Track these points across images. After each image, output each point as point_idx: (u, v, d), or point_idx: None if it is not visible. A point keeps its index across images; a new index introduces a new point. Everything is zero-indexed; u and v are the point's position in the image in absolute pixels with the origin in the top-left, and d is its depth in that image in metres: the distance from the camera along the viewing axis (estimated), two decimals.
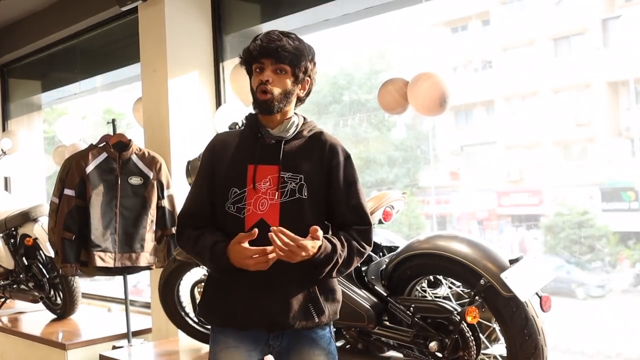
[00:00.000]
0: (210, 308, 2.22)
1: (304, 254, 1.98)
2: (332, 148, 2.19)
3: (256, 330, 2.16)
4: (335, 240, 2.09)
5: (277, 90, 2.10)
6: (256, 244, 2.02)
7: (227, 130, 2.35)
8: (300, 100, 2.22)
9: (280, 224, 2.06)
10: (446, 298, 2.87)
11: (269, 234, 1.96)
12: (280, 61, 2.09)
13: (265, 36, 2.12)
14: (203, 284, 3.65)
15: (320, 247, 2.02)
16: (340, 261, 2.09)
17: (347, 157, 2.21)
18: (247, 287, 2.10)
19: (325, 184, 2.16)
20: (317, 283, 2.15)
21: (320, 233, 2.01)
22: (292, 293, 2.12)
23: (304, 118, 2.24)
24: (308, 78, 2.18)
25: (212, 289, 2.22)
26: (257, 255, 1.98)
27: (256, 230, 1.99)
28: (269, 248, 1.97)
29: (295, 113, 2.22)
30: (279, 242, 1.95)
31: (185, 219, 2.21)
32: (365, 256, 2.20)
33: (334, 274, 2.12)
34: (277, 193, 2.10)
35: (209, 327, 3.78)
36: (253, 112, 2.24)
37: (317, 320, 2.15)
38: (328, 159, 2.17)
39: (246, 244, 1.99)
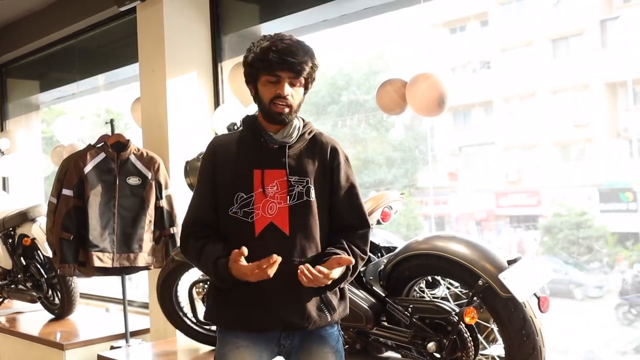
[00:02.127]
0: (221, 311, 2.19)
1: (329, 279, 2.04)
2: (333, 149, 2.23)
3: (270, 332, 2.16)
4: (344, 255, 2.11)
5: (295, 102, 2.13)
6: (266, 248, 2.04)
7: (225, 132, 2.31)
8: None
9: (289, 227, 2.10)
10: (444, 299, 2.88)
11: (299, 272, 2.00)
12: (299, 76, 2.10)
13: (284, 47, 2.07)
14: (202, 284, 3.65)
15: None
16: (351, 272, 2.16)
17: (347, 158, 2.25)
18: (261, 290, 2.09)
19: (328, 185, 2.20)
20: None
21: (340, 269, 2.06)
22: (306, 296, 2.15)
23: (303, 120, 2.25)
24: (312, 81, 2.20)
25: (222, 292, 2.17)
26: (256, 271, 1.98)
27: (244, 248, 1.99)
28: (264, 262, 1.96)
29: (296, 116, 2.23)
30: (306, 278, 2.00)
31: (190, 228, 2.19)
32: (365, 260, 2.25)
33: (343, 284, 2.18)
34: (286, 197, 2.12)
35: (207, 327, 3.78)
36: (250, 114, 2.25)
37: (329, 319, 2.18)
38: (330, 160, 2.21)
39: (243, 261, 2.00)
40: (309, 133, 2.23)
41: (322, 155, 2.21)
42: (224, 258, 2.06)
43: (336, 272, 2.06)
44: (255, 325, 2.13)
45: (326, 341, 2.21)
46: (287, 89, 2.10)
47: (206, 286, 3.54)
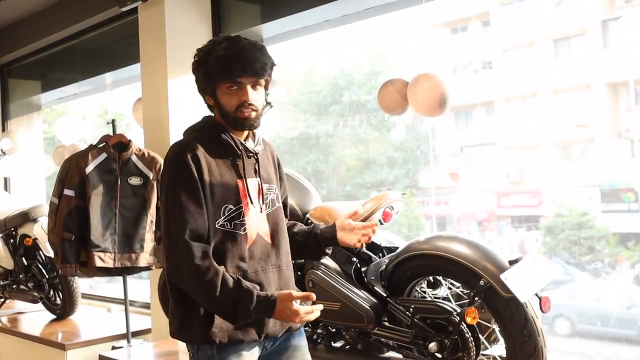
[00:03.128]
0: (226, 328, 2.07)
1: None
2: (274, 151, 2.32)
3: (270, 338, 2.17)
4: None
5: (259, 105, 2.08)
6: (256, 257, 2.09)
7: (184, 139, 2.20)
8: None
9: (271, 235, 2.15)
10: (446, 299, 2.87)
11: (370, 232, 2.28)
12: (260, 76, 2.05)
13: (234, 48, 2.03)
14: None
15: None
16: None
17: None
18: None
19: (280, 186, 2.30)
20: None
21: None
22: None
23: None
24: (269, 79, 2.14)
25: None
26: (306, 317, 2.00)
27: (313, 295, 2.00)
28: (316, 308, 2.02)
29: None
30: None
31: (199, 246, 2.00)
32: None
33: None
34: (264, 206, 2.15)
35: None
36: (209, 119, 2.18)
37: None
38: (278, 161, 2.32)
39: (297, 304, 1.98)
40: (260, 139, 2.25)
41: (272, 158, 2.28)
42: (267, 294, 1.99)
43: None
44: (263, 334, 2.11)
45: (302, 334, 2.28)
46: (251, 95, 2.05)
47: None
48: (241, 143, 2.12)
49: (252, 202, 2.10)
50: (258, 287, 2.02)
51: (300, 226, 2.36)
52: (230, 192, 2.08)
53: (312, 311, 2.00)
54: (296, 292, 1.99)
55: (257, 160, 2.16)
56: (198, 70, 2.10)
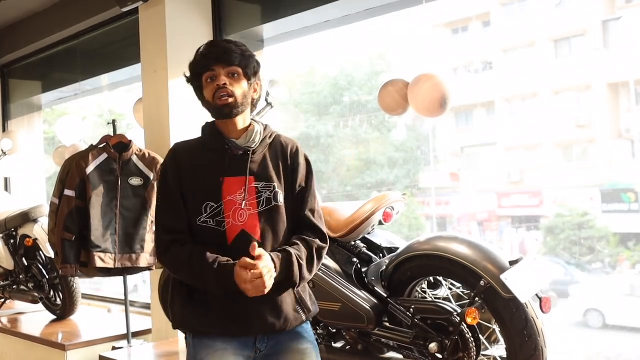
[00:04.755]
0: (195, 315, 2.16)
1: (266, 278, 1.98)
2: (294, 151, 2.24)
3: (247, 337, 2.16)
4: (287, 249, 2.11)
5: (237, 92, 2.12)
6: (239, 254, 2.05)
7: (185, 140, 2.29)
8: (254, 106, 2.24)
9: (260, 233, 2.12)
10: (446, 299, 2.87)
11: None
12: (231, 64, 2.11)
13: (209, 45, 2.18)
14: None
15: (275, 264, 2.04)
16: (303, 263, 2.11)
17: (307, 160, 2.27)
18: (237, 294, 2.06)
19: (290, 187, 2.21)
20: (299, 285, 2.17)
21: (259, 251, 2.01)
22: (282, 298, 2.15)
23: (263, 124, 2.25)
24: (258, 81, 2.21)
25: (191, 296, 2.17)
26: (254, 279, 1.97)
27: (255, 244, 2.01)
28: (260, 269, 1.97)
29: (254, 120, 2.23)
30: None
31: (167, 236, 2.15)
32: (322, 257, 2.20)
33: (305, 274, 2.12)
34: (255, 203, 2.13)
35: None
36: (209, 121, 2.25)
37: (304, 318, 2.21)
38: (291, 162, 2.23)
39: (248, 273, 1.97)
40: (270, 137, 2.23)
41: (284, 157, 2.22)
42: (226, 262, 2.03)
43: (262, 264, 1.99)
44: (235, 330, 2.12)
45: (304, 337, 2.23)
46: (224, 79, 2.10)
47: None
48: (229, 141, 2.16)
49: (233, 200, 2.11)
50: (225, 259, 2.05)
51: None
52: (211, 190, 2.12)
53: (259, 272, 1.95)
54: (248, 260, 1.99)
55: (249, 158, 2.15)
56: (188, 76, 2.21)
